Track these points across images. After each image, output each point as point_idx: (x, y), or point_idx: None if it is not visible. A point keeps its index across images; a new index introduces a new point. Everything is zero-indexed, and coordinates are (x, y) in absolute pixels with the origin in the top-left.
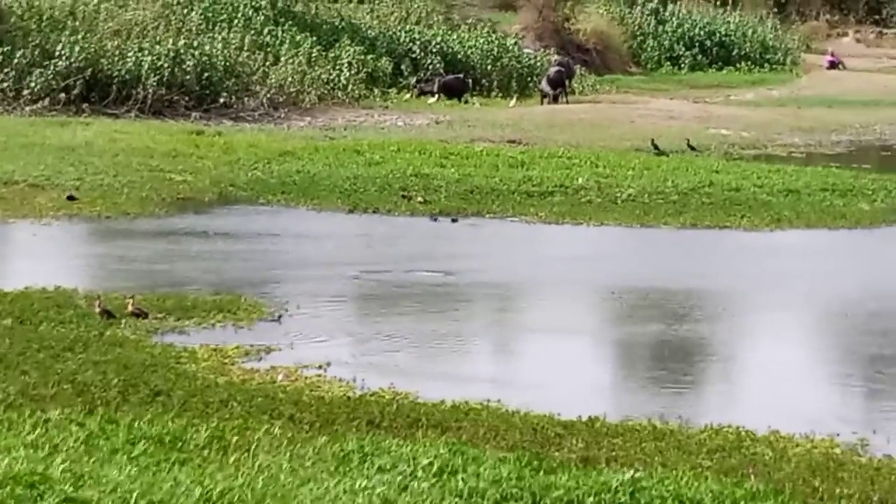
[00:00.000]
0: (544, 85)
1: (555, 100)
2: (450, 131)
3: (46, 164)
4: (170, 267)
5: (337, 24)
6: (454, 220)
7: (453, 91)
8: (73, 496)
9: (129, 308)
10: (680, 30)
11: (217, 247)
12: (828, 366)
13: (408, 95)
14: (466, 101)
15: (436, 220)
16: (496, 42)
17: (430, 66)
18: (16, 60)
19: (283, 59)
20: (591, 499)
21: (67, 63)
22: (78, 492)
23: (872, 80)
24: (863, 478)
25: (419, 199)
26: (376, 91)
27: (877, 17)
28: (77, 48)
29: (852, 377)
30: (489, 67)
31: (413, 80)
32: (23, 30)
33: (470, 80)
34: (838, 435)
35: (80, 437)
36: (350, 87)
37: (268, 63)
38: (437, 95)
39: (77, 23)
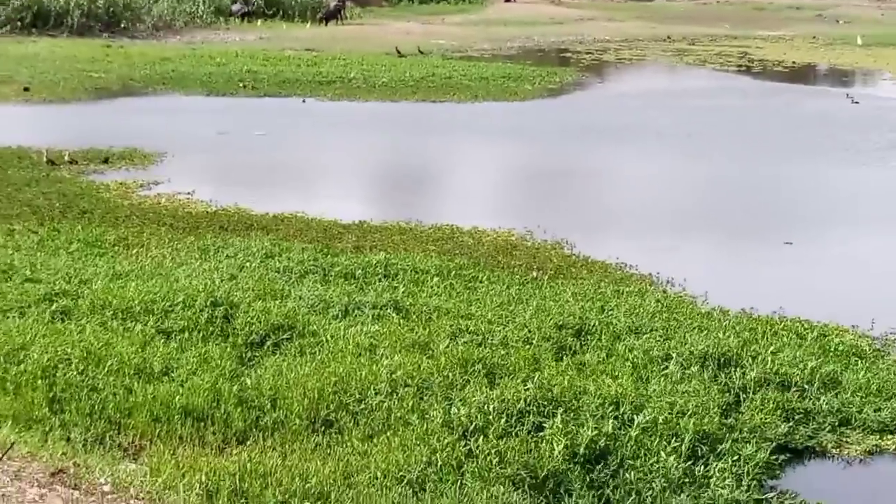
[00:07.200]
0: (327, 13)
1: (326, 21)
2: (269, 44)
3: (8, 68)
4: (92, 132)
5: None
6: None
7: (248, 14)
8: (31, 277)
9: (66, 158)
10: None
11: (122, 118)
12: (514, 178)
13: (237, 20)
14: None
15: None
16: None
17: (255, 3)
18: None
19: None
20: (360, 271)
21: (21, 2)
22: (34, 274)
23: (532, 9)
24: (528, 255)
25: (251, 86)
26: (221, 19)
27: None
28: None
29: (527, 187)
30: (294, 3)
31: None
32: None
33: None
34: (514, 228)
35: (34, 241)
36: (205, 16)
37: (151, 1)
38: (259, 19)
39: None
